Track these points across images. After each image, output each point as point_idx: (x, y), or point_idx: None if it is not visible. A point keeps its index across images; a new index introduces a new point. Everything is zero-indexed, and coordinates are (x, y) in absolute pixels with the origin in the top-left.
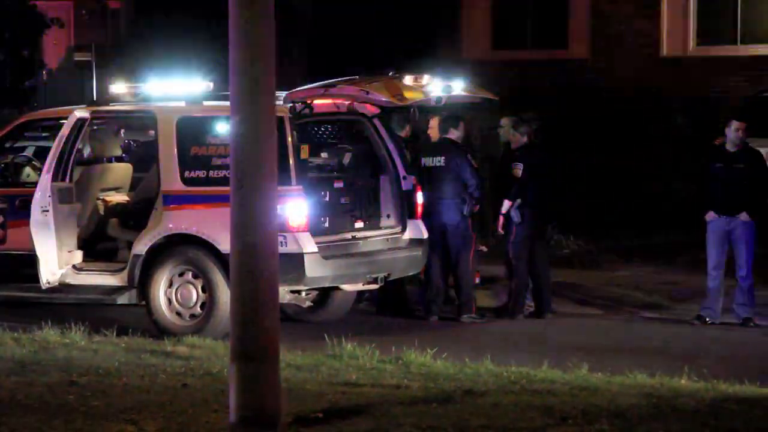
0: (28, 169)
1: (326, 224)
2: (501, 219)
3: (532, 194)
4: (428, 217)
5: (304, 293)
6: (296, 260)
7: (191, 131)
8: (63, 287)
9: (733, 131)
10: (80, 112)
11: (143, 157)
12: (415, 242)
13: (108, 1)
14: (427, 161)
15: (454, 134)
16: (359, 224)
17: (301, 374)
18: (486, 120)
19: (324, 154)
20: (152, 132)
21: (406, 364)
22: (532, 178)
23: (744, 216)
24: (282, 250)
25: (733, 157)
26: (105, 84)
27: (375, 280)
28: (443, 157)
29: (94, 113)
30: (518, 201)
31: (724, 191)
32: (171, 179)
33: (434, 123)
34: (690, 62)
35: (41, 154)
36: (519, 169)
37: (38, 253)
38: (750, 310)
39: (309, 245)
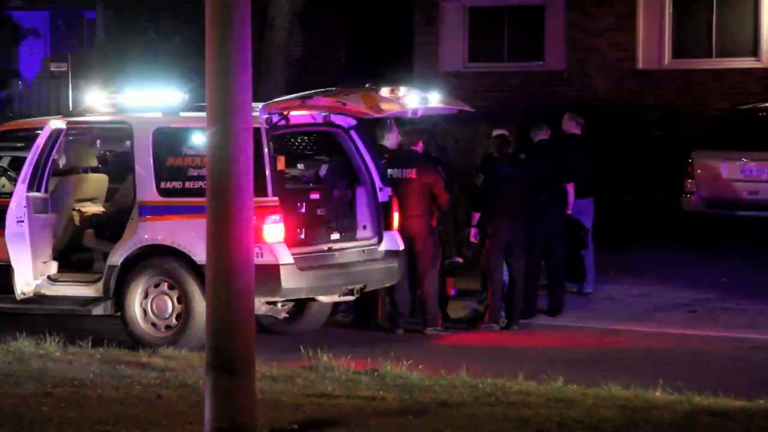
0: (3, 180)
1: (302, 235)
2: (473, 230)
3: (499, 206)
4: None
5: (279, 304)
6: (272, 271)
7: (167, 142)
8: (38, 298)
9: None
10: (56, 123)
11: (119, 168)
12: (391, 254)
13: (84, 11)
14: (395, 173)
15: (421, 146)
16: (335, 235)
17: (276, 386)
18: (463, 132)
19: (300, 166)
20: (128, 143)
21: (381, 375)
22: (496, 189)
23: None
24: (258, 261)
25: None
26: (81, 94)
27: (351, 292)
28: (414, 169)
29: (69, 124)
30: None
31: None
32: (147, 190)
33: None
34: (665, 75)
35: (16, 164)
36: (479, 180)
37: (13, 263)
38: None
39: (285, 256)
